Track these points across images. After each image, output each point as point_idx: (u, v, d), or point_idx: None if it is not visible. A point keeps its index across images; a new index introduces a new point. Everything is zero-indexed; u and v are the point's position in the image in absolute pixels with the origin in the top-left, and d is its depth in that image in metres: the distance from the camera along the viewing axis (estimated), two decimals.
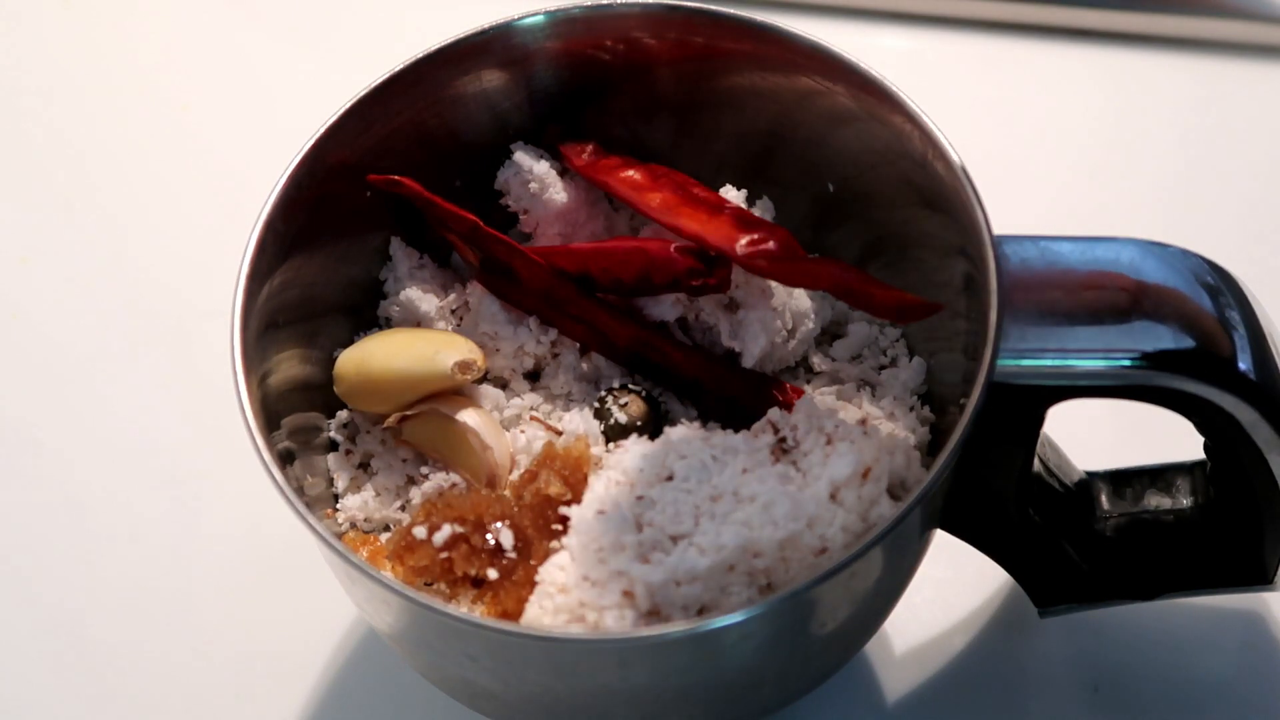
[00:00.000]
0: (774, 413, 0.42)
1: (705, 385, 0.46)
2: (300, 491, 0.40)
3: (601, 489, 0.41)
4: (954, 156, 0.42)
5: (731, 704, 0.42)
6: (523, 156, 0.48)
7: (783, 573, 0.38)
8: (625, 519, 0.39)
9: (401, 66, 0.45)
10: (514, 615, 0.40)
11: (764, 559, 0.38)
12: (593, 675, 0.39)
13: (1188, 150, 0.64)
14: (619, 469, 0.41)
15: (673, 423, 0.45)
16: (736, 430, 0.43)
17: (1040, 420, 0.41)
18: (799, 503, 0.39)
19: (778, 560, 0.38)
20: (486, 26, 0.46)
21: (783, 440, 0.41)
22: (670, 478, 0.40)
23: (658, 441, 0.42)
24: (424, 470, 0.46)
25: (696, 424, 0.44)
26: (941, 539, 0.44)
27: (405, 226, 0.49)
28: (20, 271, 0.63)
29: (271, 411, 0.42)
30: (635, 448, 0.42)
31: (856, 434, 0.41)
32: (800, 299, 0.47)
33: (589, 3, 0.46)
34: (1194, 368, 0.39)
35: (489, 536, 0.41)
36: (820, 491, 0.39)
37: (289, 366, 0.44)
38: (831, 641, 0.41)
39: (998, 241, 0.40)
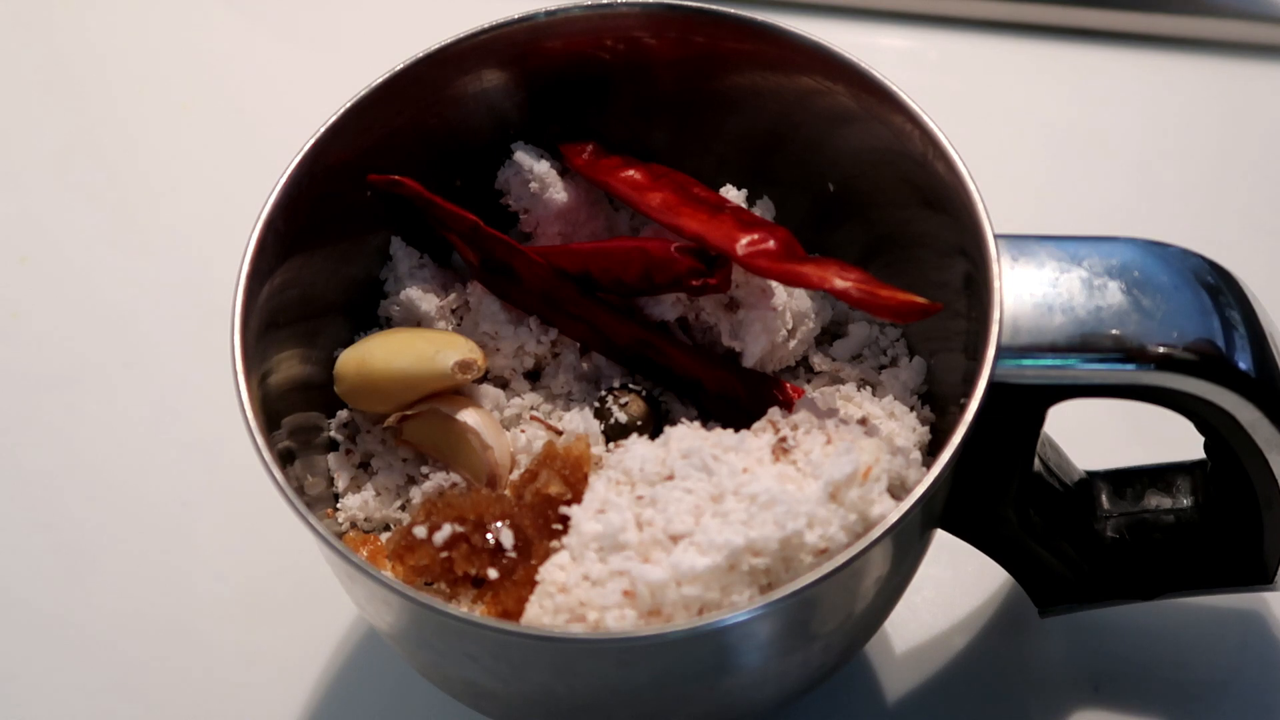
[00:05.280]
0: (774, 412, 0.42)
1: (705, 385, 0.46)
2: (300, 491, 0.40)
3: (602, 488, 0.41)
4: (954, 156, 0.42)
5: (731, 704, 0.42)
6: (523, 156, 0.48)
7: (783, 572, 0.38)
8: (626, 518, 0.39)
9: (401, 66, 0.45)
10: (514, 615, 0.40)
11: (764, 559, 0.38)
12: (593, 675, 0.39)
13: (1188, 150, 0.64)
14: (619, 468, 0.41)
15: (673, 422, 0.45)
16: (737, 430, 0.43)
17: (1040, 420, 0.41)
18: (799, 502, 0.38)
19: (778, 560, 0.38)
20: (486, 26, 0.46)
21: (783, 440, 0.41)
22: (671, 477, 0.40)
23: (658, 441, 0.42)
24: (424, 470, 0.46)
25: (697, 423, 0.44)
26: (941, 539, 0.44)
27: (405, 226, 0.49)
28: (20, 271, 0.63)
29: (271, 411, 0.42)
30: (636, 447, 0.42)
31: (857, 433, 0.41)
32: (800, 299, 0.47)
33: (589, 2, 0.46)
34: (1194, 367, 0.39)
35: (489, 536, 0.41)
36: (820, 491, 0.39)
37: (289, 366, 0.44)
38: (831, 641, 0.41)
39: (998, 241, 0.40)
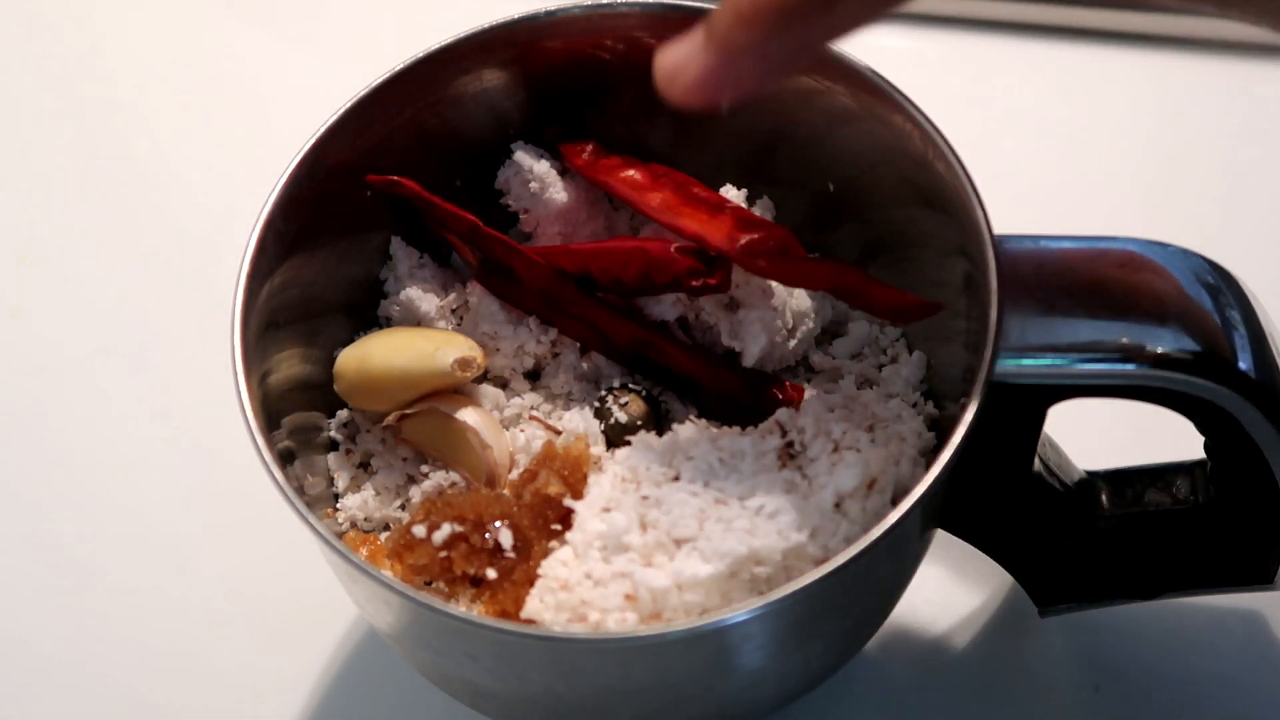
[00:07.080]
0: (782, 413, 0.42)
1: (705, 385, 0.46)
2: (300, 491, 0.40)
3: (608, 485, 0.40)
4: (954, 157, 0.42)
5: (731, 704, 0.42)
6: (523, 156, 0.48)
7: (784, 581, 0.38)
8: (631, 519, 0.39)
9: (401, 66, 0.45)
10: (513, 615, 0.40)
11: (767, 568, 0.38)
12: (593, 675, 0.39)
13: (1189, 149, 0.64)
14: (626, 464, 0.41)
15: (673, 422, 0.45)
16: (742, 429, 0.42)
17: (1040, 420, 0.41)
18: (804, 513, 0.38)
19: (779, 569, 0.38)
20: (486, 26, 0.46)
21: (790, 444, 0.41)
22: (677, 478, 0.40)
23: (666, 440, 0.42)
24: (424, 469, 0.46)
25: (704, 422, 0.44)
26: (941, 539, 0.44)
27: (405, 226, 0.49)
28: (20, 271, 0.63)
29: (271, 411, 0.42)
30: (644, 445, 0.42)
31: (864, 442, 0.41)
32: (800, 299, 0.47)
33: (589, 2, 0.46)
34: (1194, 367, 0.39)
35: (488, 535, 0.41)
36: (825, 501, 0.39)
37: (289, 366, 0.44)
38: (831, 641, 0.41)
39: (998, 241, 0.40)
